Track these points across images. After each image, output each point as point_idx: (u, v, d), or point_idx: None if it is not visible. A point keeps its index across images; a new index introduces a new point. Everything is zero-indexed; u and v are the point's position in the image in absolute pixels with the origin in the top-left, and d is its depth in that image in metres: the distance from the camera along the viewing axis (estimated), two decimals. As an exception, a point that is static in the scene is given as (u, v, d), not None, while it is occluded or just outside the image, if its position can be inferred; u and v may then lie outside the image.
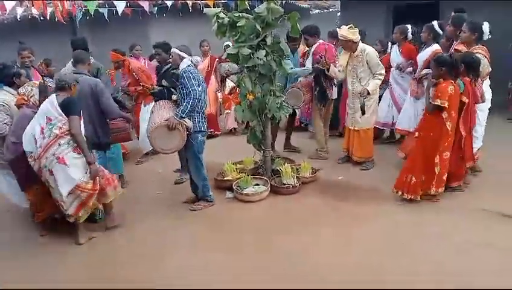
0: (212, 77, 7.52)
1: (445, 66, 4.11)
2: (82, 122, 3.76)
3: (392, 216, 4.15)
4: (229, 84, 7.81)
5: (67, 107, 3.63)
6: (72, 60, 4.59)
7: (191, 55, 4.39)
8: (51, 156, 3.57)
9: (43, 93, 3.98)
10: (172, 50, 4.44)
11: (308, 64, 5.65)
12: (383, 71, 5.25)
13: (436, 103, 4.07)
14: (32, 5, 4.92)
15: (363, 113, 5.27)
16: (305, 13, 15.08)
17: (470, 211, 4.10)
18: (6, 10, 7.06)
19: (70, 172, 3.58)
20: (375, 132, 5.75)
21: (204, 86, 4.40)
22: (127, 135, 4.89)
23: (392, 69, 6.12)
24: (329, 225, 4.08)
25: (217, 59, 7.57)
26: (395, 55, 6.06)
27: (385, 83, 6.05)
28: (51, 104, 3.65)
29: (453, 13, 5.87)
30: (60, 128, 3.59)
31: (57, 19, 6.37)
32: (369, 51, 5.20)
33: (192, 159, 4.46)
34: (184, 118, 4.17)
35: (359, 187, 4.89)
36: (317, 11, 17.35)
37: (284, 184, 4.84)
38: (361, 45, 5.22)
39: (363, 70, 5.22)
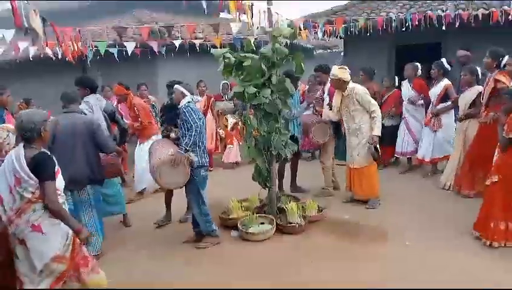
0: (209, 115, 7.68)
1: None
2: (60, 177, 3.09)
3: (399, 257, 4.06)
4: (231, 120, 7.99)
5: (37, 169, 2.91)
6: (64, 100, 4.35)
7: (192, 94, 4.53)
8: (23, 223, 2.90)
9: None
10: (175, 87, 4.53)
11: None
12: (376, 108, 5.20)
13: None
14: (46, 45, 5.07)
15: (375, 159, 5.25)
16: (309, 53, 15.42)
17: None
18: (19, 50, 7.29)
19: (47, 241, 2.94)
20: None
21: (204, 120, 4.49)
22: (117, 170, 4.85)
23: (404, 102, 6.66)
24: (335, 264, 3.99)
25: (213, 98, 7.90)
26: (407, 90, 6.60)
27: (399, 115, 6.81)
28: (18, 161, 2.90)
29: (459, 51, 6.12)
30: (33, 193, 2.91)
31: (67, 59, 6.54)
32: (357, 89, 5.22)
33: (193, 195, 4.44)
34: (188, 151, 4.22)
35: (366, 226, 4.81)
36: (320, 50, 17.75)
37: (290, 223, 4.78)
38: (350, 84, 5.24)
39: (354, 108, 5.25)
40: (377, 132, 5.17)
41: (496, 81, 4.86)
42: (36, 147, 2.99)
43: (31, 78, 11.28)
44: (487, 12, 7.64)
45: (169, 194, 5.21)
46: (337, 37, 10.31)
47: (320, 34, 8.89)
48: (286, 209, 4.87)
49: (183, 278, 3.89)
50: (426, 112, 6.46)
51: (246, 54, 4.62)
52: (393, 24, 8.17)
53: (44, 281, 2.96)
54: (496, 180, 4.05)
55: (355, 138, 5.30)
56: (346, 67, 5.28)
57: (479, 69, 5.53)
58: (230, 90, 7.84)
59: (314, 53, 17.13)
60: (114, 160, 4.71)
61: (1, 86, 4.87)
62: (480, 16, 7.57)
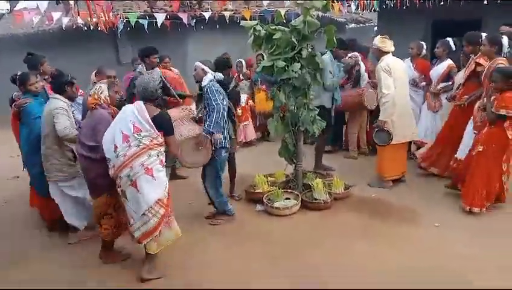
0: None
1: None
2: None
3: (427, 237, 4.00)
4: (243, 97, 7.73)
5: (161, 126, 3.40)
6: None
7: (214, 71, 4.38)
8: (138, 166, 3.27)
9: (113, 88, 3.77)
10: (196, 64, 4.39)
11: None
12: (384, 90, 4.91)
13: (501, 113, 4.14)
14: (78, 15, 5.13)
15: (382, 143, 5.06)
16: (341, 27, 15.01)
17: None
18: (53, 20, 7.41)
19: (154, 185, 3.32)
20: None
21: (227, 101, 4.35)
22: None
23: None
24: (361, 242, 3.96)
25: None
26: (409, 69, 5.96)
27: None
28: (142, 115, 3.34)
29: (502, 27, 5.76)
30: (151, 140, 3.33)
31: (99, 29, 6.60)
32: (380, 63, 5.03)
33: (211, 176, 4.40)
34: (213, 133, 4.15)
35: (394, 206, 4.75)
36: (353, 25, 17.24)
37: (316, 199, 4.76)
38: (384, 57, 5.01)
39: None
40: (382, 116, 5.00)
41: (477, 64, 4.86)
42: (154, 104, 3.49)
43: (63, 47, 11.49)
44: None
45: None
46: (370, 11, 9.96)
47: (353, 7, 8.60)
48: (312, 186, 4.85)
49: (201, 252, 3.98)
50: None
51: (276, 27, 4.53)
52: (432, -3, 7.79)
53: (147, 224, 3.31)
54: (480, 150, 4.34)
55: None
56: (387, 37, 5.04)
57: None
58: (246, 68, 7.71)
59: (346, 27, 16.66)
60: None
61: (40, 55, 4.99)
62: (526, -10, 7.12)
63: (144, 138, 3.30)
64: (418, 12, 8.21)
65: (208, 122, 4.14)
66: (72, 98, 4.19)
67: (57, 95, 4.03)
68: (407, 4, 7.91)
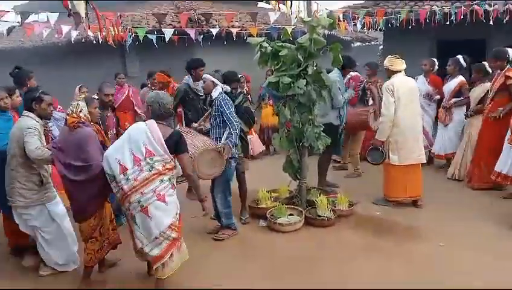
0: None
1: None
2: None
3: (431, 257, 3.96)
4: None
5: (176, 146, 3.28)
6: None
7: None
8: (150, 192, 3.16)
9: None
10: (205, 76, 4.44)
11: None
12: (383, 110, 4.94)
13: None
14: (89, 28, 5.20)
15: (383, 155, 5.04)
16: (347, 45, 15.13)
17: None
18: (62, 34, 7.52)
19: (167, 210, 3.23)
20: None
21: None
22: None
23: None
24: (363, 259, 3.94)
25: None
26: (423, 84, 6.42)
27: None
28: (156, 137, 3.21)
29: (506, 49, 5.82)
30: (164, 165, 3.22)
31: (108, 43, 6.70)
32: (384, 84, 5.05)
33: (221, 186, 4.42)
34: (237, 144, 4.24)
35: (397, 224, 4.71)
36: (358, 43, 17.39)
37: (319, 216, 4.74)
38: (393, 76, 4.98)
39: None
40: (378, 135, 5.00)
41: (506, 77, 5.19)
42: (167, 124, 3.37)
43: (71, 61, 11.64)
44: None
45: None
46: (376, 30, 10.05)
47: (359, 26, 8.69)
48: (316, 202, 4.83)
49: (205, 267, 3.95)
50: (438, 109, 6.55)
51: (283, 44, 4.58)
52: (437, 18, 7.87)
53: (159, 246, 3.22)
54: None
55: None
56: (398, 56, 5.04)
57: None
58: (246, 83, 7.73)
59: (352, 46, 16.80)
60: None
61: (28, 70, 4.85)
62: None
63: (156, 163, 3.18)
64: (423, 32, 8.29)
65: (229, 135, 4.19)
66: (45, 116, 3.82)
67: (29, 113, 3.67)
68: (413, 24, 8.00)
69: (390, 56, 5.10)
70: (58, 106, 5.15)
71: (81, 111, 3.49)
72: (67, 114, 3.54)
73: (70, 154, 3.38)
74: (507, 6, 7.35)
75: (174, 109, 5.14)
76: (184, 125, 5.40)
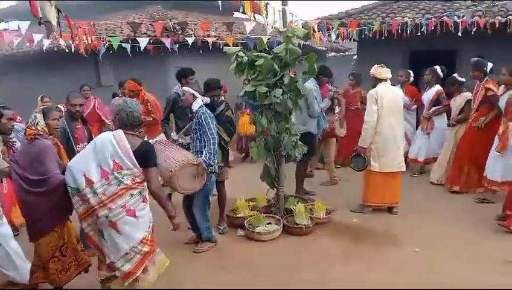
0: None
1: None
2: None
3: (407, 261, 4.02)
4: None
5: (146, 158, 3.08)
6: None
7: (206, 91, 4.43)
8: (118, 207, 2.98)
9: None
10: (184, 89, 4.38)
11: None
12: (365, 117, 5.04)
13: None
14: (61, 37, 5.05)
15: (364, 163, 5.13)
16: (322, 55, 15.34)
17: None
18: (34, 42, 7.33)
19: (138, 225, 3.08)
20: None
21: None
22: None
23: None
24: (341, 267, 3.96)
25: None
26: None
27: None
28: (123, 149, 3.01)
29: (473, 59, 6.02)
30: (133, 179, 3.03)
31: (80, 52, 6.57)
32: (369, 91, 5.14)
33: (200, 200, 4.34)
34: (212, 165, 4.12)
35: (374, 231, 4.76)
36: (333, 53, 17.65)
37: (297, 224, 4.75)
38: (378, 85, 5.08)
39: None
40: (361, 142, 5.08)
41: (487, 89, 5.40)
42: (136, 134, 3.18)
43: (44, 70, 11.37)
44: (504, 20, 7.52)
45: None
46: (350, 40, 10.23)
47: (333, 36, 8.82)
48: (294, 210, 4.84)
49: (186, 277, 3.88)
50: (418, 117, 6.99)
51: (259, 53, 4.60)
52: (408, 28, 8.08)
53: (130, 261, 3.07)
54: None
55: None
56: (383, 65, 5.14)
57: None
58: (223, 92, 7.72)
59: (327, 55, 17.04)
60: None
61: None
62: (497, 24, 7.46)
63: (124, 177, 2.99)
64: (396, 42, 8.48)
65: (206, 154, 4.08)
66: (5, 131, 3.71)
67: None
68: (385, 35, 8.18)
69: (376, 65, 5.21)
70: (18, 117, 4.96)
71: (38, 124, 3.38)
72: (27, 127, 3.42)
73: (28, 167, 3.23)
74: (474, 19, 7.63)
75: (165, 118, 5.33)
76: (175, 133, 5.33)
